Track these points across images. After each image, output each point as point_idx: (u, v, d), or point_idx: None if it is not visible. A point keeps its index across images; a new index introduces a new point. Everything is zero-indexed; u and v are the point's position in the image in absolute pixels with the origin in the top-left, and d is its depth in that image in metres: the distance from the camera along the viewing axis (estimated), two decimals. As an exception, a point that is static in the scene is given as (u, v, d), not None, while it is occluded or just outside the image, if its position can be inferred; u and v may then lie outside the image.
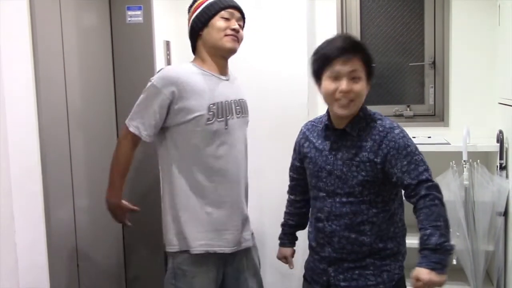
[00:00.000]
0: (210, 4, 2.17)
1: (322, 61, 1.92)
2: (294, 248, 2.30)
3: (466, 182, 2.95)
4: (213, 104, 2.11)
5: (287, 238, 2.29)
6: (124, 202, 2.26)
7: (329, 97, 1.92)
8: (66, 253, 2.34)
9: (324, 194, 1.98)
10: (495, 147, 3.00)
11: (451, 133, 3.37)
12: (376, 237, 1.93)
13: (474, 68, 3.35)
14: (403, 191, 1.91)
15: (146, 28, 2.76)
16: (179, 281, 2.14)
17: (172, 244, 2.16)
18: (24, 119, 2.02)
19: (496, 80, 3.25)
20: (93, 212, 2.58)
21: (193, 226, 2.12)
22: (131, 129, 2.12)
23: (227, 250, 2.17)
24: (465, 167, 2.96)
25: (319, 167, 1.99)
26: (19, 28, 2.00)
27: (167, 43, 2.95)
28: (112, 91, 2.78)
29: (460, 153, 2.99)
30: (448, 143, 3.16)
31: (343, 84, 1.86)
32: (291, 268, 2.31)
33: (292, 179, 2.24)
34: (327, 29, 3.37)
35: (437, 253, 1.75)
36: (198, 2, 2.21)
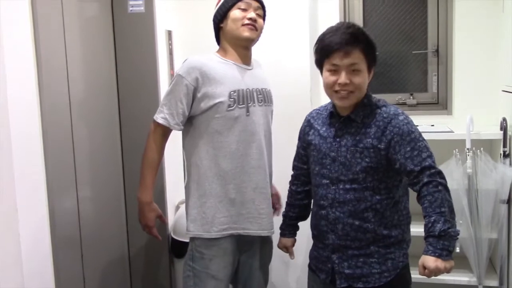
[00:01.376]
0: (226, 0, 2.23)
1: (322, 53, 1.94)
2: (295, 238, 2.31)
3: (469, 170, 2.94)
4: (234, 91, 2.17)
5: (288, 229, 2.30)
6: (155, 204, 2.30)
7: (329, 89, 1.95)
8: (70, 243, 2.35)
9: (327, 181, 1.99)
10: (499, 134, 2.99)
11: (454, 121, 3.36)
12: (380, 224, 1.94)
13: (478, 56, 3.33)
14: (406, 178, 1.91)
15: (148, 17, 2.75)
16: (197, 263, 2.21)
17: (192, 229, 2.22)
18: (27, 110, 2.02)
19: (499, 67, 3.23)
20: (96, 202, 2.59)
21: (216, 210, 2.18)
22: (160, 121, 2.17)
23: (251, 232, 2.23)
24: (468, 155, 2.96)
25: (323, 154, 2.00)
26: (20, 18, 1.99)
27: (169, 33, 2.94)
28: (115, 81, 2.78)
29: (463, 141, 2.98)
30: (452, 131, 3.14)
31: (342, 77, 1.89)
32: (292, 259, 2.33)
33: (296, 168, 2.25)
34: (330, 18, 3.35)
35: (442, 240, 1.76)
36: None
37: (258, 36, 2.28)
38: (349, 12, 3.56)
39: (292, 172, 2.29)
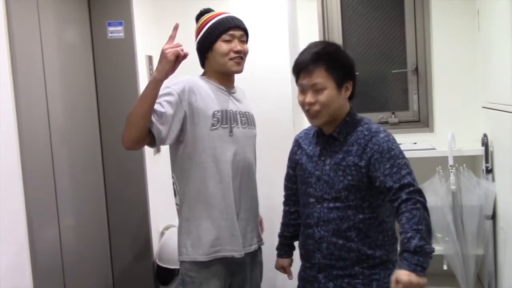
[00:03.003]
0: (211, 29, 2.20)
1: (294, 73, 2.00)
2: (292, 258, 2.29)
3: (453, 187, 2.96)
4: (218, 111, 2.15)
5: (283, 249, 2.28)
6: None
7: (302, 108, 1.99)
8: (52, 274, 2.29)
9: (313, 200, 1.98)
10: (480, 150, 3.01)
11: (436, 138, 3.39)
12: (364, 244, 1.92)
13: (457, 73, 3.39)
14: (385, 195, 1.88)
15: (128, 43, 2.76)
16: (187, 287, 2.17)
17: (183, 253, 2.18)
18: (4, 135, 1.98)
19: (478, 84, 3.28)
20: (79, 231, 2.54)
21: (205, 233, 2.15)
22: (153, 129, 2.04)
23: (236, 254, 2.18)
24: (451, 171, 2.97)
25: (308, 173, 2.01)
26: (-3, 46, 1.98)
27: (150, 58, 2.94)
28: (95, 107, 2.76)
29: (446, 158, 3.00)
30: (434, 149, 3.17)
31: (307, 97, 1.92)
32: (291, 279, 2.28)
33: (286, 188, 2.25)
34: (310, 39, 3.37)
35: (418, 255, 1.73)
36: (201, 22, 2.24)
37: (243, 64, 2.27)
38: (328, 34, 3.60)
39: (284, 193, 2.27)
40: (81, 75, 2.68)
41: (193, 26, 2.30)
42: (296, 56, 2.02)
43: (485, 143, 2.98)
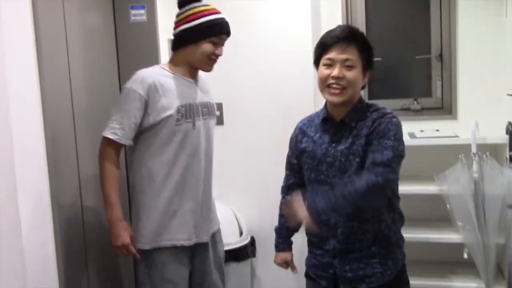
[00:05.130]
0: (204, 27, 2.21)
1: (320, 49, 1.99)
2: (292, 252, 2.26)
3: (475, 175, 2.92)
4: (182, 105, 2.20)
5: (286, 242, 2.24)
6: (126, 222, 2.23)
7: (322, 83, 1.97)
8: (75, 254, 2.34)
9: (326, 187, 1.97)
10: (504, 139, 2.97)
11: (459, 126, 3.34)
12: (379, 224, 1.96)
13: (482, 60, 3.32)
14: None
15: (150, 26, 2.76)
16: (152, 269, 2.22)
17: (143, 241, 2.22)
18: (29, 120, 2.02)
19: (504, 71, 3.21)
20: (101, 211, 2.57)
21: (164, 222, 2.21)
22: (112, 136, 2.14)
23: (191, 242, 2.25)
24: (474, 160, 2.94)
25: (318, 160, 2.00)
26: (22, 30, 1.99)
27: (171, 41, 2.94)
28: (117, 90, 2.77)
29: (469, 145, 2.96)
30: (457, 136, 3.13)
31: (336, 70, 1.91)
32: (296, 273, 2.26)
33: (288, 178, 2.22)
34: (333, 24, 3.34)
35: (323, 197, 1.86)
36: (194, 11, 2.23)
37: None
38: (352, 18, 3.56)
39: (283, 183, 2.26)
40: (104, 58, 2.70)
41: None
42: (318, 38, 2.02)
43: (509, 131, 2.93)
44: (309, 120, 2.13)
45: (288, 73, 3.11)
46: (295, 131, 2.17)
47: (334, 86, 1.93)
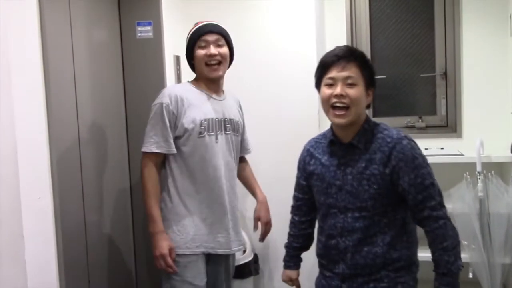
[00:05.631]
0: (189, 38, 2.38)
1: (320, 70, 1.96)
2: (299, 270, 2.24)
3: (480, 194, 2.90)
4: (205, 119, 2.30)
5: (293, 261, 2.23)
6: (167, 235, 2.30)
7: (325, 104, 1.93)
8: (77, 269, 2.33)
9: (335, 210, 1.95)
10: (509, 157, 2.96)
11: (464, 144, 3.33)
12: (389, 247, 1.90)
13: (486, 78, 3.33)
14: (410, 205, 1.90)
15: (156, 43, 2.78)
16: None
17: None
18: (35, 135, 2.02)
19: (508, 90, 3.21)
20: (104, 227, 2.57)
21: (188, 230, 2.30)
22: (156, 150, 2.27)
23: (220, 251, 2.36)
24: (479, 178, 2.92)
25: (327, 183, 1.97)
26: (29, 45, 2.01)
27: (177, 58, 2.96)
28: (123, 106, 2.79)
29: (474, 164, 2.95)
30: (462, 154, 3.12)
31: (338, 89, 1.87)
32: None
33: (297, 199, 2.20)
34: (337, 42, 3.35)
35: (446, 277, 1.83)
36: (189, 31, 2.40)
37: (226, 66, 2.39)
38: (356, 36, 3.57)
39: (292, 203, 2.23)
40: (110, 74, 2.71)
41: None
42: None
43: (514, 150, 2.92)
44: (316, 141, 2.10)
45: (292, 95, 3.09)
46: (302, 153, 2.13)
47: (337, 105, 1.88)
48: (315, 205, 2.10)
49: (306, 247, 2.23)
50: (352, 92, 1.87)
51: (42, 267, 2.03)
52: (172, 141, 2.28)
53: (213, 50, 2.31)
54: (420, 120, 3.53)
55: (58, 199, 2.12)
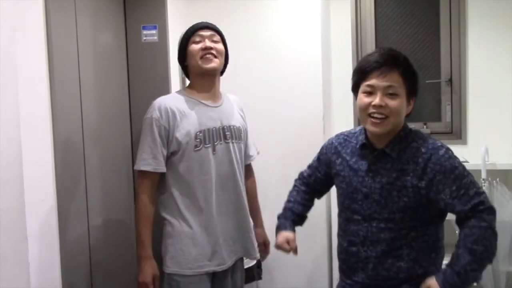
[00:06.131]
0: (182, 36, 2.30)
1: (358, 75, 1.81)
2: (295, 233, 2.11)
3: (485, 201, 2.89)
4: (200, 131, 2.18)
5: (288, 223, 2.07)
6: (155, 262, 2.21)
7: (362, 112, 1.79)
8: (80, 272, 2.32)
9: (359, 217, 1.84)
10: (515, 165, 2.95)
11: (469, 151, 3.32)
12: (414, 263, 1.78)
13: (492, 85, 3.33)
14: (455, 217, 1.77)
15: (161, 47, 2.78)
16: None
17: (169, 265, 2.20)
18: (39, 138, 2.02)
19: (514, 97, 3.21)
20: (107, 230, 2.57)
21: (189, 249, 2.18)
22: (145, 168, 2.15)
23: (218, 269, 2.22)
24: (484, 185, 2.91)
25: (353, 188, 1.85)
26: (35, 48, 2.02)
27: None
28: (127, 110, 2.79)
29: (478, 171, 2.94)
30: (466, 161, 3.10)
31: (377, 99, 1.73)
32: (296, 255, 2.09)
33: (307, 185, 2.12)
34: (342, 48, 3.37)
35: (458, 277, 1.65)
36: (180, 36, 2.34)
37: (222, 62, 2.27)
38: (362, 43, 3.57)
39: (298, 179, 2.16)
40: (115, 77, 2.71)
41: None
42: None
43: (520, 158, 2.91)
44: (346, 139, 1.96)
45: (298, 95, 3.10)
46: (328, 147, 2.00)
47: (375, 116, 1.75)
48: (320, 191, 2.07)
49: (301, 220, 2.12)
50: (392, 103, 1.74)
51: (45, 269, 2.03)
52: (161, 158, 2.15)
53: (208, 43, 2.21)
54: (425, 127, 3.52)
55: (62, 202, 2.12)
